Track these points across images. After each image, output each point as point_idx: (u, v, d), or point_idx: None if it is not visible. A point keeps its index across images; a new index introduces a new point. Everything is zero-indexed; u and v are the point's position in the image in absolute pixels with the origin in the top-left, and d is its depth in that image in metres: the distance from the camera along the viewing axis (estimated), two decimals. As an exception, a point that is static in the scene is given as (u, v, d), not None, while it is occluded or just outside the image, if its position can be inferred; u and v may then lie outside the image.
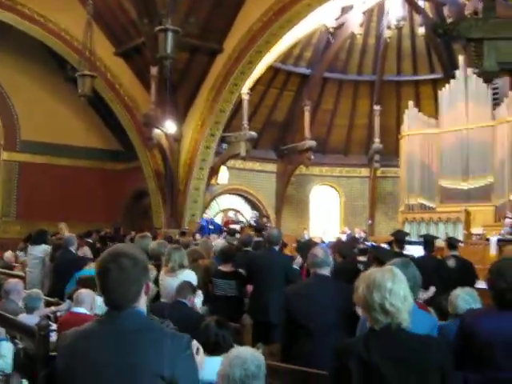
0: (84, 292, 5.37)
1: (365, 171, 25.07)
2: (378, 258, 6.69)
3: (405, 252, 8.96)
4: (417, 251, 9.95)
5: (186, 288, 5.30)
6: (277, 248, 7.28)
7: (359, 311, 4.26)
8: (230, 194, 23.94)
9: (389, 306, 2.65)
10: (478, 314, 3.78)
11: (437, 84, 22.55)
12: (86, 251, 8.62)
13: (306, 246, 9.33)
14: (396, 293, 2.69)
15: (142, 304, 2.43)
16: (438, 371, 2.63)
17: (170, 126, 18.35)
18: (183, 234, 14.95)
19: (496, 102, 19.48)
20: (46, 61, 20.91)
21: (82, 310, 5.32)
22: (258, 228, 13.58)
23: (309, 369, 4.22)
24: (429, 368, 2.63)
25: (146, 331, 2.32)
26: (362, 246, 9.57)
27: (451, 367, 2.74)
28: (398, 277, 2.76)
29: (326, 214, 25.11)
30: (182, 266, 6.12)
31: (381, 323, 2.68)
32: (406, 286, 2.76)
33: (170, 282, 5.92)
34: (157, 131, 18.17)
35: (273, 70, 22.14)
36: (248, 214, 22.98)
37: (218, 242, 9.38)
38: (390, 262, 3.78)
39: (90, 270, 7.68)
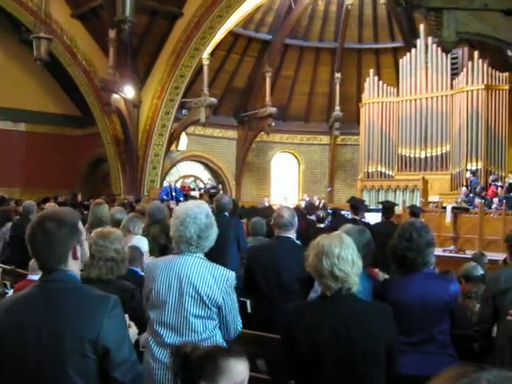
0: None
1: (325, 139, 25.14)
2: (334, 226, 6.77)
3: (363, 219, 9.06)
4: (375, 218, 10.08)
5: (135, 256, 5.23)
6: (227, 214, 7.28)
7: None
8: (190, 160, 23.78)
9: (338, 272, 2.68)
10: (386, 282, 3.77)
11: (397, 53, 22.66)
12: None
13: (264, 213, 9.35)
14: (344, 258, 2.72)
15: (74, 267, 2.41)
16: (381, 338, 2.67)
17: (128, 91, 18.03)
18: (139, 201, 14.81)
19: (455, 71, 19.71)
20: (0, 23, 20.17)
21: (36, 277, 5.23)
22: (214, 195, 13.55)
23: (268, 334, 4.24)
24: (373, 335, 2.67)
25: (71, 294, 2.32)
26: (321, 213, 9.62)
27: (395, 336, 2.79)
28: (346, 242, 2.79)
29: (286, 181, 25.19)
30: (132, 232, 6.06)
31: (332, 289, 2.71)
32: (353, 250, 2.78)
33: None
34: (115, 96, 17.84)
35: (233, 36, 21.89)
36: (206, 181, 22.92)
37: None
38: (344, 229, 3.81)
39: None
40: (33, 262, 5.28)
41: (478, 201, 15.75)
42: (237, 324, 3.24)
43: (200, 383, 2.08)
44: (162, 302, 3.17)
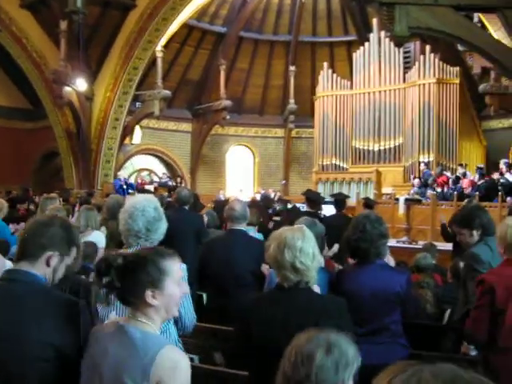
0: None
1: (280, 132, 25.23)
2: (290, 219, 6.81)
3: (320, 211, 9.14)
4: (329, 210, 10.15)
5: (89, 251, 5.16)
6: (187, 207, 7.24)
7: (264, 269, 4.33)
8: (144, 153, 23.56)
9: (299, 265, 2.70)
10: (340, 273, 3.83)
11: (351, 46, 22.91)
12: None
13: (222, 206, 9.33)
14: (306, 252, 2.75)
15: (43, 272, 2.37)
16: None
17: (80, 84, 17.71)
18: (91, 195, 14.56)
19: (407, 65, 20.02)
20: None
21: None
22: (174, 189, 13.47)
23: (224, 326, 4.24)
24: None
25: (33, 297, 2.27)
26: (277, 206, 9.66)
27: (349, 329, 2.82)
28: (308, 236, 2.82)
29: (241, 174, 25.21)
30: (89, 227, 5.98)
31: (291, 281, 2.72)
32: (314, 244, 2.82)
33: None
34: (67, 89, 17.51)
35: (187, 28, 21.76)
36: (161, 175, 22.76)
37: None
38: (297, 222, 3.85)
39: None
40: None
41: (430, 192, 16.05)
42: (192, 316, 3.21)
43: (146, 290, 2.13)
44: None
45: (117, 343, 2.18)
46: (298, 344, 1.79)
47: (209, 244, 5.23)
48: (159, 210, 3.27)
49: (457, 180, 16.32)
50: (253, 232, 5.99)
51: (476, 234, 3.86)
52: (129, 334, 2.18)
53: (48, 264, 2.36)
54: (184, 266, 3.18)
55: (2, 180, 19.98)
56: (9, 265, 5.28)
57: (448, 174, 17.22)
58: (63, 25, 16.65)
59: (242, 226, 4.88)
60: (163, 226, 3.28)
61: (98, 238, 5.92)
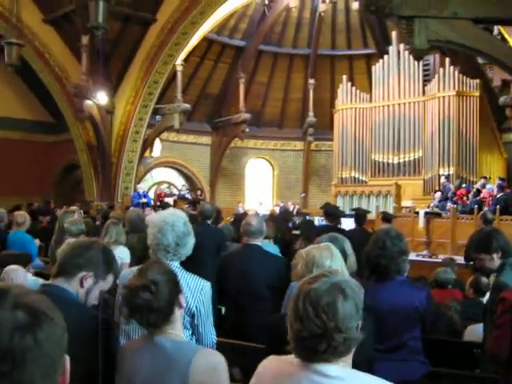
0: (11, 268, 5.14)
1: (299, 144, 25.25)
2: (305, 233, 6.82)
3: (339, 225, 9.12)
4: (349, 224, 10.13)
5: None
6: (209, 222, 7.27)
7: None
8: (164, 166, 23.70)
9: None
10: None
11: (370, 59, 22.89)
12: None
13: (241, 220, 9.36)
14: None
15: (76, 290, 2.42)
16: (363, 353, 2.69)
17: (101, 97, 17.89)
18: (111, 207, 14.67)
19: (427, 78, 19.97)
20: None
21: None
22: (193, 201, 13.52)
23: (242, 341, 4.24)
24: None
25: (63, 309, 2.32)
26: (296, 219, 9.65)
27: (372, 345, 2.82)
28: (335, 254, 2.83)
29: (260, 187, 25.24)
30: (116, 242, 6.01)
31: None
32: (342, 262, 2.83)
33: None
34: (88, 102, 17.70)
35: (207, 42, 21.91)
36: (180, 187, 22.86)
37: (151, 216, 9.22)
38: (318, 239, 3.83)
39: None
40: (7, 271, 5.19)
41: (450, 205, 15.93)
42: (211, 336, 3.22)
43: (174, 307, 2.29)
44: None
45: (149, 356, 2.20)
46: (309, 296, 1.73)
47: (226, 258, 5.24)
48: (188, 225, 3.29)
49: (477, 193, 16.17)
50: (270, 246, 6.00)
51: (496, 258, 3.78)
52: (160, 345, 2.20)
53: (82, 284, 2.40)
54: (209, 284, 3.21)
55: (23, 192, 20.20)
56: (30, 278, 5.35)
57: (465, 185, 17.08)
58: (85, 39, 16.86)
59: (259, 241, 4.89)
60: (191, 241, 3.31)
61: (124, 253, 5.96)
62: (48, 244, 8.85)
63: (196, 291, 3.13)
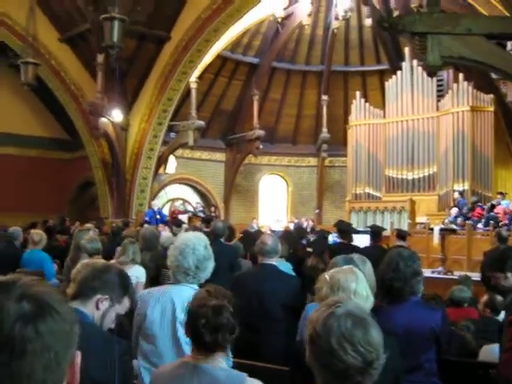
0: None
1: (313, 160, 25.25)
2: (315, 248, 6.80)
3: (351, 243, 9.09)
4: (363, 240, 10.10)
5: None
6: (222, 240, 7.28)
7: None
8: (178, 183, 23.78)
9: None
10: (374, 311, 3.75)
11: (383, 75, 22.91)
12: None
13: (249, 237, 9.36)
14: (360, 293, 2.75)
15: (92, 313, 2.45)
16: (390, 371, 2.67)
17: (116, 115, 18.05)
18: (126, 224, 14.72)
19: (440, 93, 19.95)
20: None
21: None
22: (206, 219, 13.54)
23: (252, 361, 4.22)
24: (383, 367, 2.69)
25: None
26: (311, 237, 9.63)
27: (402, 368, 2.80)
28: (360, 277, 2.82)
29: (274, 204, 25.24)
30: (133, 261, 6.03)
31: None
32: (366, 285, 2.81)
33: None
34: (103, 120, 17.86)
35: (221, 59, 22.03)
36: (195, 204, 22.92)
37: (164, 234, 9.26)
38: (334, 260, 3.82)
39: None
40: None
41: (460, 220, 15.79)
42: (229, 358, 3.23)
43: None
44: (155, 330, 3.19)
45: (197, 382, 2.22)
46: (342, 333, 1.71)
47: (239, 278, 5.22)
48: (209, 249, 3.33)
49: (491, 208, 16.06)
50: (283, 263, 5.98)
51: (511, 277, 3.74)
52: (211, 374, 2.22)
53: (97, 307, 2.43)
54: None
55: (39, 209, 20.33)
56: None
57: (481, 204, 16.96)
58: (100, 58, 17.04)
59: (274, 261, 4.86)
60: (211, 265, 3.34)
61: (140, 272, 5.98)
62: (63, 262, 8.91)
63: None
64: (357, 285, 2.77)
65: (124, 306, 2.60)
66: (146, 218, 17.36)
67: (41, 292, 1.06)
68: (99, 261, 2.68)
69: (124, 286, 2.56)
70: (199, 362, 2.29)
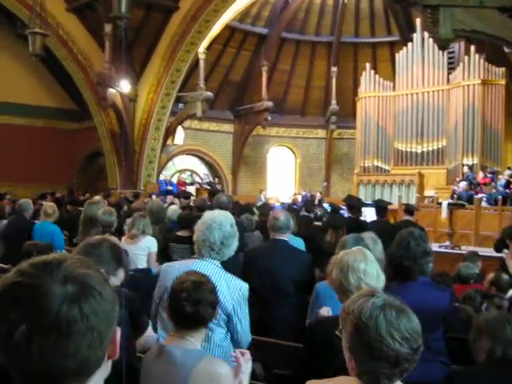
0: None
1: (321, 132, 25.15)
2: (333, 224, 6.78)
3: (361, 217, 9.09)
4: (371, 213, 10.07)
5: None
6: None
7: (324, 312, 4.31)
8: (186, 154, 23.78)
9: (365, 286, 2.70)
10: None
11: (394, 46, 22.65)
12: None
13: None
14: (370, 273, 2.77)
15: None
16: None
17: (124, 86, 18.00)
18: (137, 196, 14.76)
19: (451, 66, 19.70)
20: (-4, 16, 20.06)
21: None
22: (213, 192, 13.54)
23: (264, 337, 4.26)
24: None
25: None
26: (318, 211, 9.62)
27: None
28: (369, 257, 2.83)
29: (282, 175, 25.23)
30: (143, 233, 6.10)
31: None
32: (377, 265, 2.83)
33: (130, 248, 5.93)
34: (111, 90, 17.82)
35: (230, 30, 21.85)
36: (202, 175, 22.93)
37: (171, 208, 9.26)
38: (342, 240, 3.83)
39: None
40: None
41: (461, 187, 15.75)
42: (248, 335, 3.30)
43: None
44: None
45: (161, 362, 2.26)
46: (392, 324, 1.76)
47: (251, 253, 5.22)
48: (234, 228, 3.38)
49: (507, 184, 15.91)
50: (294, 238, 5.98)
51: None
52: (171, 353, 2.25)
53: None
54: (247, 285, 3.26)
55: (48, 179, 20.44)
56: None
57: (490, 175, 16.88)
58: (108, 28, 16.95)
59: (286, 236, 4.87)
60: (235, 244, 3.38)
61: (151, 242, 6.10)
62: (73, 233, 8.96)
63: (234, 291, 3.18)
64: (366, 265, 2.78)
65: (119, 277, 2.64)
66: (162, 188, 17.48)
67: (84, 274, 1.10)
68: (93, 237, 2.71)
69: (117, 258, 2.61)
70: (169, 342, 2.40)
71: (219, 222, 3.29)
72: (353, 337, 1.78)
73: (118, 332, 1.17)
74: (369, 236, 4.43)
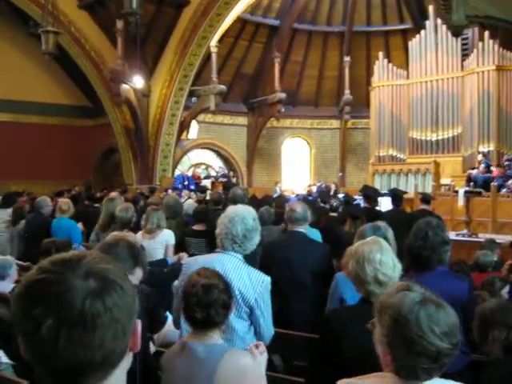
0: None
1: (335, 123, 25.07)
2: (352, 213, 6.79)
3: (377, 207, 9.07)
4: (387, 203, 10.05)
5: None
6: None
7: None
8: (200, 148, 23.82)
9: (382, 277, 2.72)
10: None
11: (407, 34, 22.49)
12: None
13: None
14: (386, 263, 2.77)
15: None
16: None
17: (137, 81, 18.04)
18: (153, 191, 14.84)
19: (465, 52, 19.49)
20: (8, 16, 20.15)
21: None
22: (228, 185, 13.57)
23: (283, 330, 4.28)
24: None
25: None
26: (334, 202, 9.61)
27: None
28: (385, 247, 2.84)
29: (297, 167, 25.20)
30: (159, 227, 6.15)
31: (376, 295, 2.72)
32: (392, 254, 2.84)
33: (148, 243, 5.99)
34: (125, 86, 17.87)
35: (241, 22, 21.81)
36: (217, 169, 22.95)
37: (188, 202, 9.32)
38: (360, 230, 3.83)
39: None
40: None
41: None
42: (271, 328, 3.34)
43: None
44: None
45: (184, 359, 2.29)
46: (433, 318, 1.77)
47: (269, 246, 5.25)
48: (257, 222, 3.44)
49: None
50: (311, 230, 5.98)
51: None
52: (194, 350, 2.27)
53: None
54: (269, 278, 3.29)
55: (64, 176, 20.61)
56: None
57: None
58: (119, 24, 16.98)
59: (303, 228, 4.89)
60: (257, 238, 3.43)
61: (168, 235, 6.19)
62: (89, 229, 9.03)
63: (257, 284, 3.22)
64: (382, 255, 2.78)
65: (137, 276, 2.67)
66: (178, 185, 17.54)
67: (105, 269, 1.14)
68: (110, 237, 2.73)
69: (134, 256, 2.64)
70: (190, 339, 2.42)
71: (242, 215, 3.34)
72: (392, 331, 1.78)
73: (139, 325, 1.21)
74: (383, 224, 4.43)
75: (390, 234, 4.34)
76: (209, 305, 2.48)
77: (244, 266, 3.30)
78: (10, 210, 9.33)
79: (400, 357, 1.76)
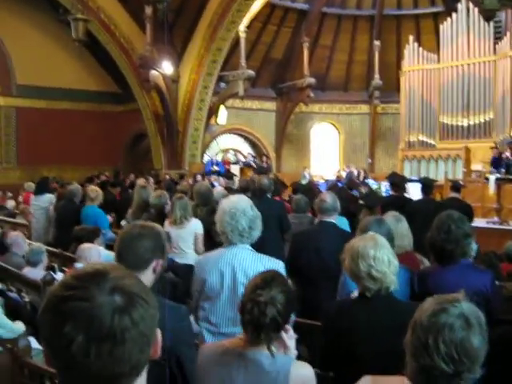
0: (85, 247, 5.38)
1: (365, 108, 24.85)
2: (366, 204, 6.78)
3: (405, 194, 9.02)
4: (416, 190, 9.97)
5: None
6: (269, 195, 7.31)
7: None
8: (229, 133, 23.85)
9: (375, 273, 2.75)
10: (423, 273, 3.79)
11: (438, 18, 22.12)
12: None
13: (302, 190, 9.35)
14: (380, 259, 2.80)
15: (148, 278, 2.55)
16: None
17: (166, 67, 18.12)
18: (182, 177, 14.94)
19: (498, 36, 19.13)
20: (39, 3, 20.33)
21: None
22: (260, 170, 13.58)
23: (308, 320, 4.30)
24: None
25: None
26: (363, 189, 9.57)
27: None
28: (380, 243, 2.86)
29: (326, 152, 25.09)
30: (184, 217, 6.19)
31: (371, 290, 2.77)
32: (388, 250, 2.86)
33: (176, 233, 6.06)
34: (154, 72, 17.97)
35: (270, 7, 21.64)
36: (246, 154, 22.96)
37: (217, 190, 9.34)
38: (362, 223, 3.85)
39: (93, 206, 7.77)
40: (78, 250, 5.42)
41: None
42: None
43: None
44: (217, 292, 3.34)
45: (244, 371, 2.31)
46: (444, 332, 1.70)
47: (299, 236, 5.28)
48: (255, 209, 3.47)
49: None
50: (340, 219, 5.98)
51: None
52: (258, 362, 2.29)
53: (155, 271, 2.56)
54: (282, 264, 3.33)
55: (94, 162, 20.83)
56: (104, 253, 5.57)
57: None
58: (148, 10, 17.03)
59: (333, 218, 4.93)
60: (260, 223, 3.46)
61: (198, 225, 6.27)
62: (120, 215, 9.16)
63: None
64: (376, 251, 2.81)
65: (165, 261, 2.72)
66: (208, 168, 17.68)
67: (129, 284, 1.18)
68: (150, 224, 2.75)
69: (164, 245, 2.68)
70: (245, 349, 2.32)
71: (241, 208, 3.36)
72: (410, 335, 1.79)
73: (159, 333, 1.24)
74: (391, 215, 4.41)
75: (401, 226, 4.32)
76: (261, 327, 2.28)
77: (256, 256, 3.36)
78: (45, 197, 9.56)
79: (415, 363, 1.75)
